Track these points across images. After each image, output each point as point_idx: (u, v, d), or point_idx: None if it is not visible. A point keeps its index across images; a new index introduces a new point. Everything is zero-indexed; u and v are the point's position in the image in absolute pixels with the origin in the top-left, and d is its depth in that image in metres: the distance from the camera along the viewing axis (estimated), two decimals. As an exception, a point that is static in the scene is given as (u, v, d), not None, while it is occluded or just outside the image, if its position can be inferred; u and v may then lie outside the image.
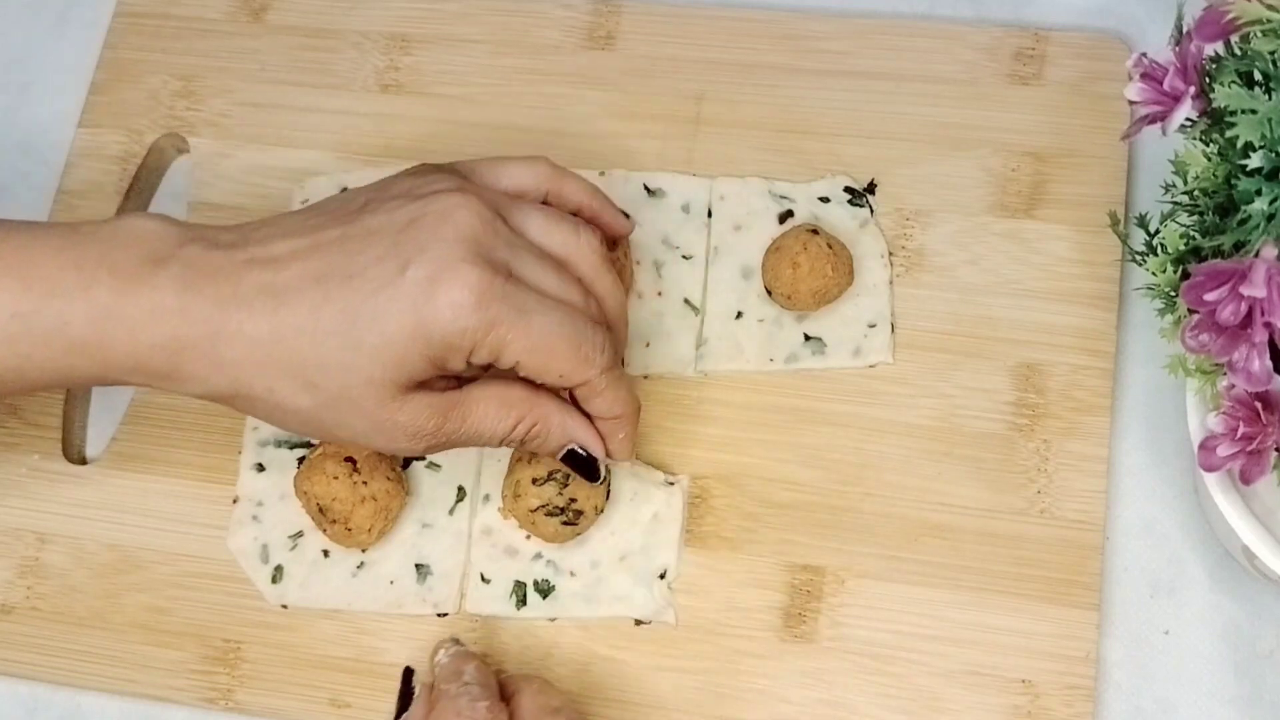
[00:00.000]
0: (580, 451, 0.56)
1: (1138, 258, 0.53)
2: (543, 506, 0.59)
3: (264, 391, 0.52)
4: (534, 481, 0.59)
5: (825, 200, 0.65)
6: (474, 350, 0.52)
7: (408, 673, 0.60)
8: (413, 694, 0.59)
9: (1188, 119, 0.49)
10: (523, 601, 0.61)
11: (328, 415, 0.53)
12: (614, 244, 0.62)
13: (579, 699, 0.59)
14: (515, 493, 0.59)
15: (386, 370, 0.51)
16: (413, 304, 0.51)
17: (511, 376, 0.55)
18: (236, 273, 0.52)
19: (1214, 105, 0.48)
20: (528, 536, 0.61)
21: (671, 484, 0.61)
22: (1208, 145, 0.50)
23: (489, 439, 0.55)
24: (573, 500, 0.59)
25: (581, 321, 0.54)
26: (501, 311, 0.51)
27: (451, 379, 0.55)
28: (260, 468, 0.63)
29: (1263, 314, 0.46)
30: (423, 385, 0.53)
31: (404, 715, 0.55)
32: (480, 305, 0.51)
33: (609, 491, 0.60)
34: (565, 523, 0.59)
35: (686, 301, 0.64)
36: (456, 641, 0.59)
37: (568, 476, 0.58)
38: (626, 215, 0.61)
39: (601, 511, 0.60)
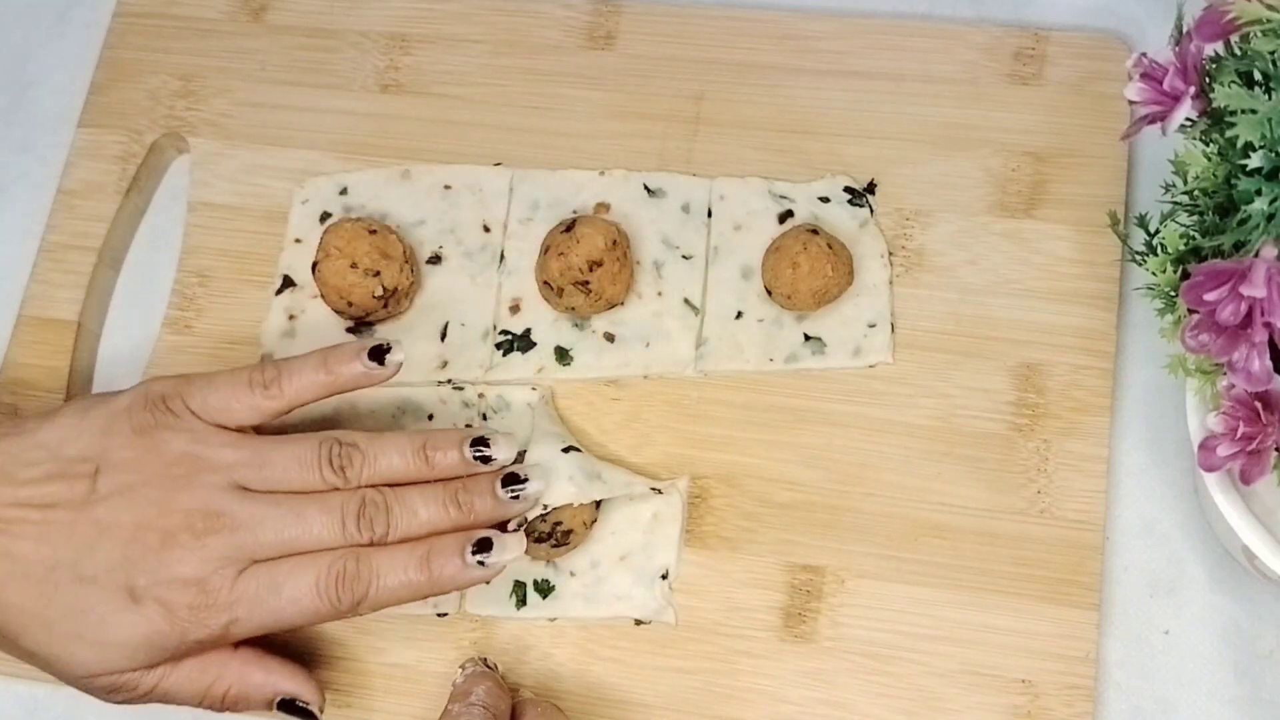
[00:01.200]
0: (293, 701, 0.57)
1: (1138, 258, 0.53)
2: (529, 535, 0.58)
3: None
4: None
5: (825, 200, 0.65)
6: (214, 647, 0.55)
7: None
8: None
9: (1188, 119, 0.49)
10: (523, 601, 0.60)
11: (35, 667, 0.55)
12: (614, 244, 0.62)
13: (579, 699, 0.59)
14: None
15: (106, 661, 0.54)
16: (145, 622, 0.53)
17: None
18: None
19: (1214, 105, 0.48)
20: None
21: (659, 491, 0.61)
22: (1208, 145, 0.50)
23: (183, 701, 0.56)
24: (558, 524, 0.59)
25: (309, 583, 0.54)
26: (233, 613, 0.54)
27: None
28: (260, 468, 0.63)
29: (1263, 314, 0.46)
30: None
31: None
32: (211, 616, 0.53)
33: (599, 502, 0.60)
34: (555, 545, 0.59)
35: (686, 301, 0.64)
36: (484, 661, 0.58)
37: (544, 505, 0.58)
38: (384, 353, 0.58)
39: (592, 523, 0.60)
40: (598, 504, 0.60)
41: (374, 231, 0.63)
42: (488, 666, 0.57)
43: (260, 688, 0.56)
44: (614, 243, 0.62)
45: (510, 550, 0.55)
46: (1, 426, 0.56)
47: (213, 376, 0.57)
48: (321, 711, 0.57)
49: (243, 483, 0.55)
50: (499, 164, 0.68)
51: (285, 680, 0.57)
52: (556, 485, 0.58)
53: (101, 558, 0.53)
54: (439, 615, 0.61)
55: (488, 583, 0.57)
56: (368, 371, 0.57)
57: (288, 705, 0.57)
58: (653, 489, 0.61)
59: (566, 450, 0.60)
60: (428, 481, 0.56)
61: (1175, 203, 0.53)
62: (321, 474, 0.55)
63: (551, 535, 0.59)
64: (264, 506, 0.54)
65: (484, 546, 0.55)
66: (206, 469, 0.55)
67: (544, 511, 0.58)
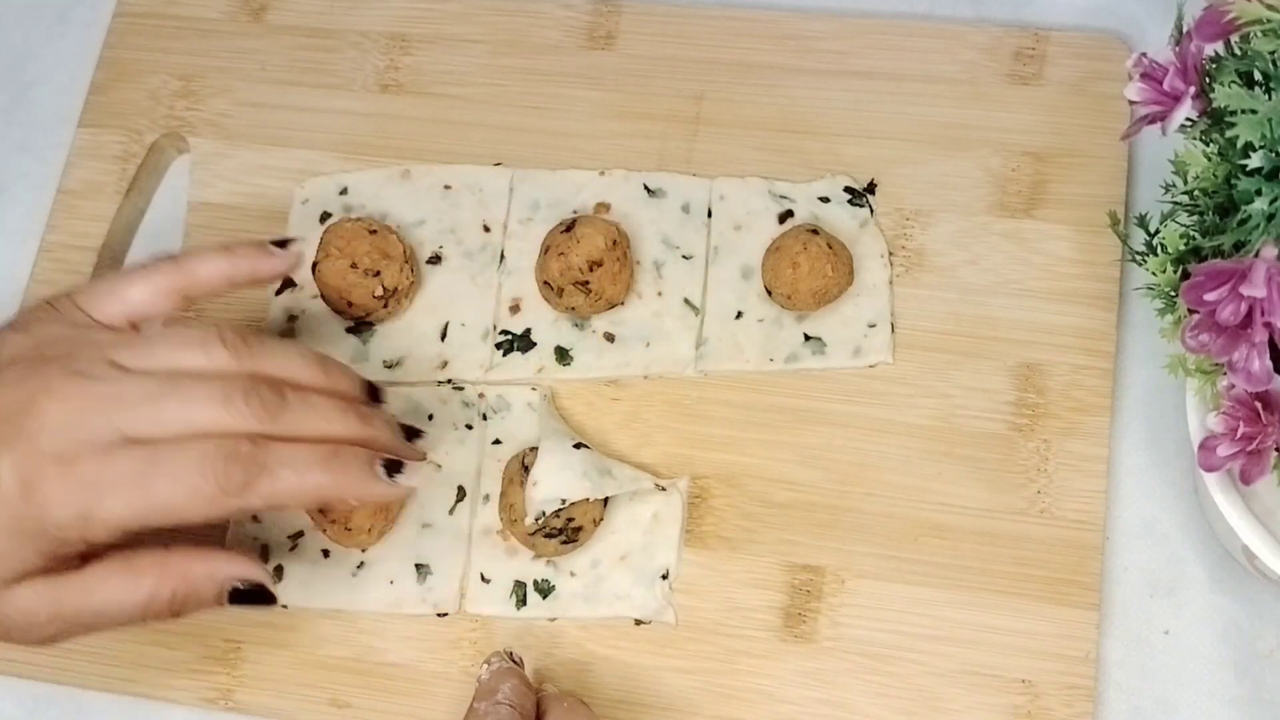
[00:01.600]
0: (243, 586, 0.53)
1: (1138, 258, 0.53)
2: (541, 529, 0.59)
3: None
4: None
5: (825, 200, 0.65)
6: (87, 538, 0.50)
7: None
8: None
9: (1188, 119, 0.49)
10: (523, 601, 0.60)
11: None
12: (614, 244, 0.62)
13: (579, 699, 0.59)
14: (511, 517, 0.59)
15: None
16: (7, 505, 0.49)
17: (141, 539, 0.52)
18: None
19: (1214, 105, 0.48)
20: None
21: (663, 489, 0.61)
22: (1208, 145, 0.50)
23: (126, 615, 0.52)
24: (570, 520, 0.59)
25: (193, 462, 0.49)
26: (100, 494, 0.49)
27: (77, 558, 0.51)
28: (260, 468, 0.63)
29: (1263, 314, 0.46)
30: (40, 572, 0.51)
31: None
32: (72, 494, 0.49)
33: (607, 500, 0.60)
34: (565, 541, 0.59)
35: (686, 301, 0.64)
36: (509, 655, 0.56)
37: (561, 499, 0.58)
38: (282, 244, 0.57)
39: (600, 522, 0.60)
40: (605, 504, 0.60)
41: (374, 231, 0.63)
42: (513, 661, 0.56)
43: (207, 580, 0.52)
44: (614, 243, 0.62)
45: (419, 476, 0.53)
46: None
47: (105, 274, 0.53)
48: (275, 591, 0.54)
49: (120, 360, 0.51)
50: (499, 164, 0.68)
51: (231, 565, 0.53)
52: (573, 481, 0.58)
53: None
54: (439, 615, 0.61)
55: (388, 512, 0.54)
56: (270, 255, 0.55)
57: (239, 595, 0.53)
58: (658, 486, 0.61)
59: (577, 447, 0.60)
60: None
61: (1175, 203, 0.53)
62: (207, 352, 0.51)
63: (563, 531, 0.59)
64: (139, 378, 0.50)
65: (394, 467, 0.53)
66: (82, 345, 0.51)
67: (560, 507, 0.58)
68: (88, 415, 0.50)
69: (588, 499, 0.59)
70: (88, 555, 0.51)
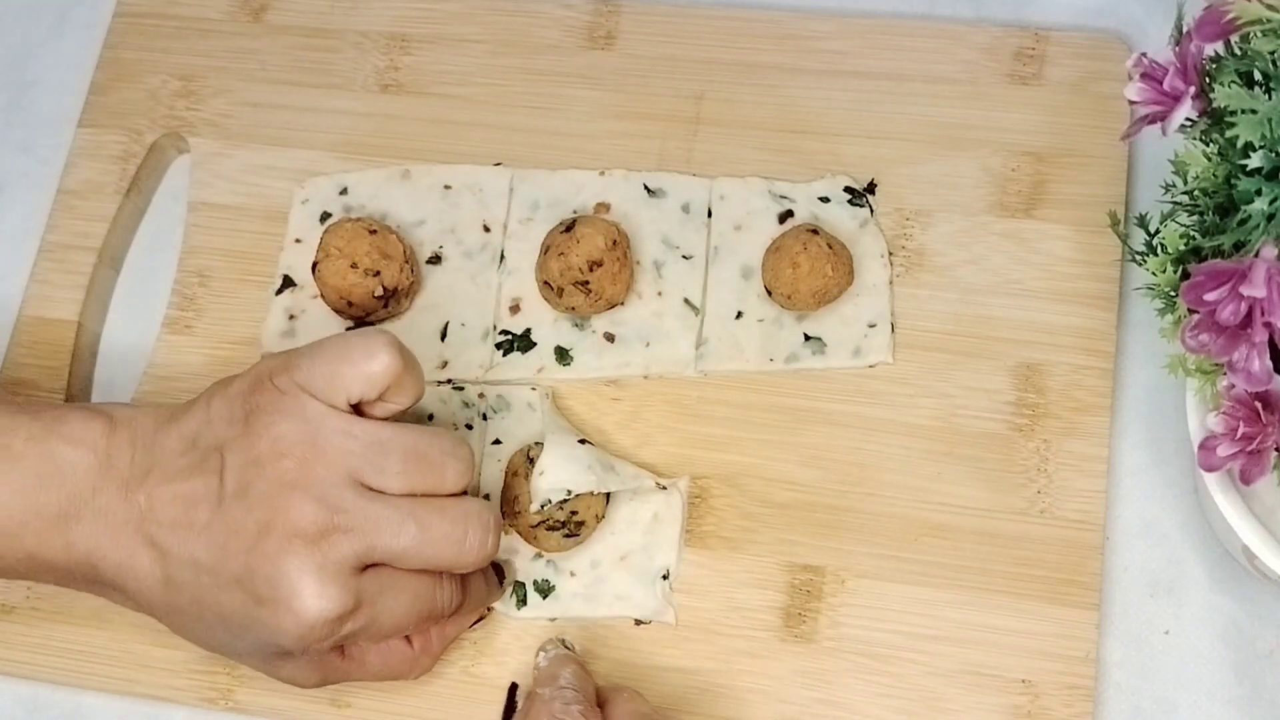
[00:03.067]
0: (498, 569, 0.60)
1: (1138, 258, 0.53)
2: (544, 522, 0.59)
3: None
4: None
5: (825, 200, 0.65)
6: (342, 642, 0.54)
7: (512, 688, 0.59)
8: (515, 708, 0.59)
9: (1188, 119, 0.49)
10: (523, 601, 0.60)
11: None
12: (614, 244, 0.62)
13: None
14: (514, 509, 0.59)
15: (264, 654, 0.54)
16: (278, 620, 0.52)
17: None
18: (133, 545, 0.54)
19: (1214, 105, 0.48)
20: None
21: (664, 488, 0.61)
22: (1208, 145, 0.50)
23: (391, 675, 0.58)
24: (574, 513, 0.59)
25: (423, 592, 0.54)
26: (357, 623, 0.53)
27: None
28: (260, 468, 0.63)
29: (1263, 314, 0.46)
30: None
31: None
32: (339, 622, 0.52)
33: (608, 497, 0.60)
34: (568, 535, 0.59)
35: (686, 301, 0.64)
36: (563, 643, 0.59)
37: (567, 490, 0.58)
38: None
39: (601, 519, 0.60)
40: (607, 498, 0.60)
41: (374, 231, 0.63)
42: (566, 648, 0.58)
43: (455, 627, 0.59)
44: (614, 243, 0.62)
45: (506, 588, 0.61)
46: (154, 415, 0.56)
47: (319, 343, 0.55)
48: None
49: (359, 477, 0.53)
50: (499, 164, 0.68)
51: (469, 616, 0.59)
52: (578, 473, 0.58)
53: (232, 564, 0.52)
54: (439, 615, 0.61)
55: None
56: None
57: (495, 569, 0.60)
58: (658, 485, 0.61)
59: (581, 442, 0.60)
60: None
61: (1175, 203, 0.53)
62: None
63: (566, 525, 0.59)
64: (402, 517, 0.53)
65: (500, 574, 0.61)
66: (321, 462, 0.52)
67: (565, 498, 0.58)
68: (337, 550, 0.52)
69: (592, 493, 0.59)
70: None
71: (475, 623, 0.60)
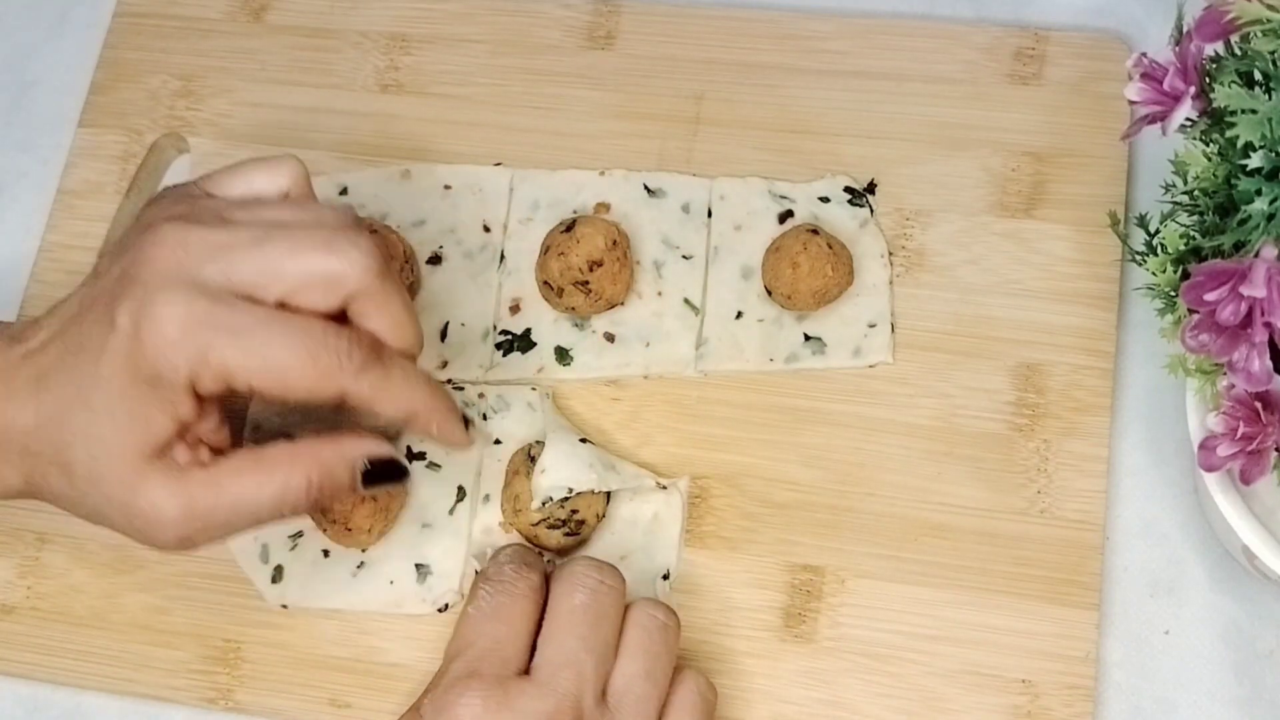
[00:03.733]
0: (371, 464, 0.53)
1: (1138, 258, 0.53)
2: (544, 520, 0.59)
3: (41, 479, 0.51)
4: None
5: (825, 200, 0.65)
6: (195, 382, 0.49)
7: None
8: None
9: (1188, 119, 0.49)
10: (523, 601, 0.60)
11: (87, 502, 0.51)
12: (614, 244, 0.62)
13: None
14: (515, 507, 0.59)
15: (122, 430, 0.49)
16: (125, 353, 0.49)
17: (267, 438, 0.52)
18: (13, 368, 0.51)
19: (1214, 105, 0.48)
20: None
21: (664, 488, 0.61)
22: (1208, 145, 0.50)
23: (263, 510, 0.51)
24: (574, 511, 0.59)
25: (315, 328, 0.50)
26: (210, 336, 0.48)
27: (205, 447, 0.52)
28: (260, 468, 0.63)
29: (1263, 314, 0.46)
30: (169, 458, 0.50)
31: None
32: (184, 334, 0.48)
33: (609, 496, 0.60)
34: (569, 534, 0.59)
35: (686, 301, 0.64)
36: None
37: (568, 488, 0.58)
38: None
39: (603, 517, 0.60)
40: (608, 497, 0.60)
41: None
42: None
43: (339, 461, 0.52)
44: (614, 243, 0.62)
45: (481, 437, 0.59)
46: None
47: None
48: (406, 465, 0.54)
49: (230, 216, 0.51)
50: (499, 164, 0.68)
51: (359, 444, 0.52)
52: (579, 471, 0.58)
53: (92, 316, 0.50)
54: (439, 611, 0.61)
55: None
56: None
57: (372, 475, 0.53)
58: (659, 485, 0.61)
59: (583, 441, 0.60)
60: None
61: (1175, 203, 0.53)
62: (311, 210, 0.52)
63: (567, 523, 0.59)
64: (246, 226, 0.50)
65: (467, 421, 0.57)
66: (198, 207, 0.51)
67: (566, 496, 0.58)
68: (199, 261, 0.49)
69: (593, 491, 0.59)
70: (212, 451, 0.52)
71: (389, 481, 0.54)
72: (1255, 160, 0.47)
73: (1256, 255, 0.46)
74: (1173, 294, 0.51)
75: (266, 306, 0.50)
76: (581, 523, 0.59)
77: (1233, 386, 0.49)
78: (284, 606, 0.61)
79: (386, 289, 0.51)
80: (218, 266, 0.49)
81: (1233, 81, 0.47)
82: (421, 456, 0.63)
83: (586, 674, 0.51)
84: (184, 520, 0.50)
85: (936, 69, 0.67)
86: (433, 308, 0.65)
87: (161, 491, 0.50)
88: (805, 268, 0.61)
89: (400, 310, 0.52)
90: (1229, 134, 0.47)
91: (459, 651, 0.52)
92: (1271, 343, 0.47)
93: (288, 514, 0.52)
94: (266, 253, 0.50)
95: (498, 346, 0.64)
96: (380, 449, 0.53)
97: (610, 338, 0.64)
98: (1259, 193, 0.47)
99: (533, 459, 0.59)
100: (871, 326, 0.63)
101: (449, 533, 0.62)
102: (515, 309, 0.65)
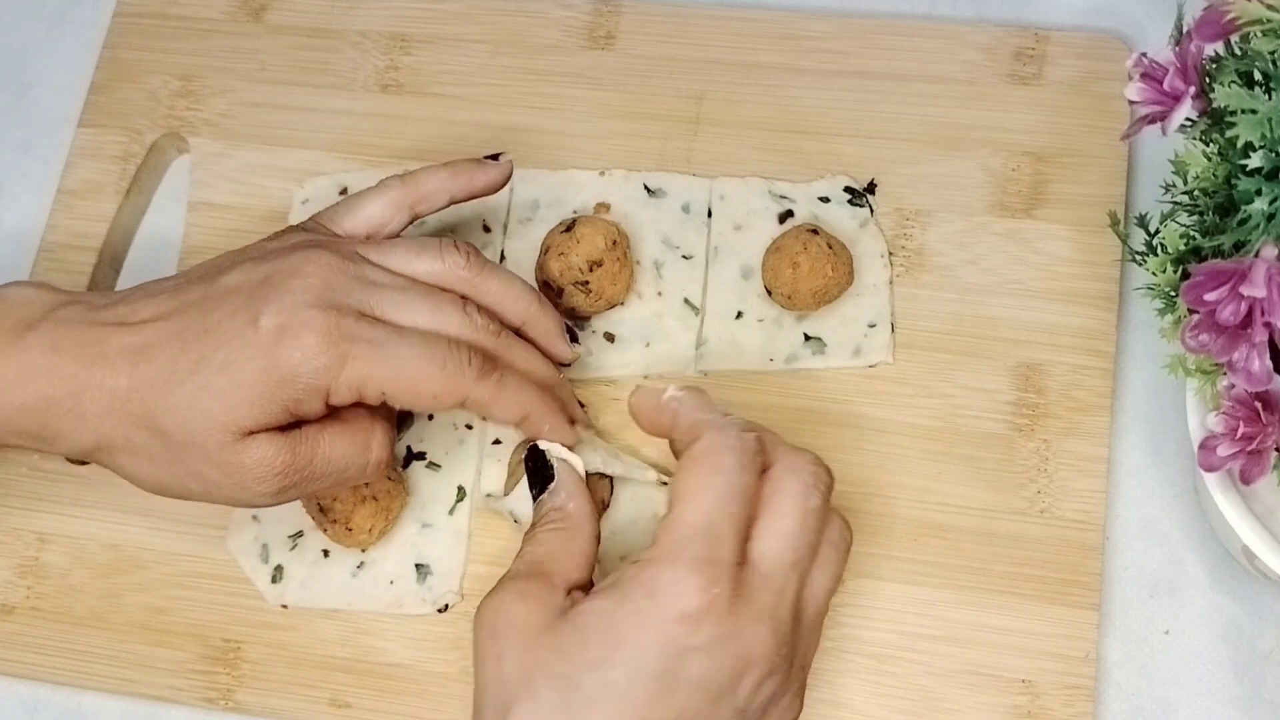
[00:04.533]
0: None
1: (1138, 258, 0.53)
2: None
3: (122, 441, 0.54)
4: None
5: (825, 200, 0.65)
6: (331, 390, 0.53)
7: (536, 452, 0.57)
8: (549, 472, 0.56)
9: (1188, 119, 0.49)
10: (523, 601, 0.60)
11: (178, 465, 0.54)
12: (614, 244, 0.62)
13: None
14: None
15: (232, 411, 0.52)
16: (262, 350, 0.52)
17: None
18: (102, 334, 0.54)
19: (1214, 105, 0.48)
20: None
21: (665, 484, 0.61)
22: (1208, 145, 0.50)
23: (349, 469, 0.55)
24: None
25: (441, 342, 0.54)
26: (351, 348, 0.53)
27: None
28: (260, 468, 0.63)
29: (1263, 314, 0.46)
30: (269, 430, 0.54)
31: (548, 489, 0.55)
32: (328, 344, 0.52)
33: (612, 486, 0.60)
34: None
35: (686, 301, 0.64)
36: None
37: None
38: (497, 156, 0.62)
39: (607, 507, 0.60)
40: (611, 487, 0.60)
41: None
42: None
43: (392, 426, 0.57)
44: (614, 243, 0.62)
45: (589, 436, 0.60)
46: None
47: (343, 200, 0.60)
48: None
49: (368, 256, 0.56)
50: (499, 164, 0.68)
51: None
52: (588, 454, 0.58)
53: (226, 308, 0.53)
54: (439, 611, 0.61)
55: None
56: (485, 168, 0.61)
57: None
58: (661, 481, 0.61)
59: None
60: None
61: (1175, 203, 0.53)
62: (443, 256, 0.57)
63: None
64: (388, 274, 0.56)
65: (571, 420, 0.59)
66: (334, 241, 0.56)
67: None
68: (347, 286, 0.54)
69: (598, 476, 0.59)
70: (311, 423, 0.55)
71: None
72: (1255, 160, 0.47)
73: (1256, 255, 0.46)
74: (1173, 294, 0.51)
75: (398, 327, 0.54)
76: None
77: (1233, 386, 0.49)
78: (284, 606, 0.61)
79: (506, 346, 0.57)
80: (362, 297, 0.54)
81: (1233, 81, 0.48)
82: (421, 456, 0.63)
83: (801, 574, 0.50)
84: (287, 472, 0.53)
85: (936, 69, 0.67)
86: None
87: (268, 446, 0.53)
88: (805, 268, 0.61)
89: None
90: (1229, 134, 0.47)
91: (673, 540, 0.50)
92: (1271, 343, 0.47)
93: (366, 468, 0.55)
94: (409, 301, 0.55)
95: (498, 346, 0.64)
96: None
97: (610, 338, 0.64)
98: (1259, 193, 0.47)
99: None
100: (871, 326, 0.63)
101: (449, 533, 0.62)
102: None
